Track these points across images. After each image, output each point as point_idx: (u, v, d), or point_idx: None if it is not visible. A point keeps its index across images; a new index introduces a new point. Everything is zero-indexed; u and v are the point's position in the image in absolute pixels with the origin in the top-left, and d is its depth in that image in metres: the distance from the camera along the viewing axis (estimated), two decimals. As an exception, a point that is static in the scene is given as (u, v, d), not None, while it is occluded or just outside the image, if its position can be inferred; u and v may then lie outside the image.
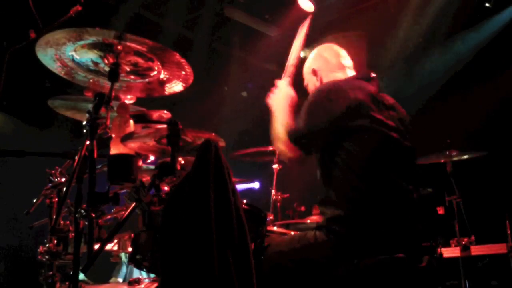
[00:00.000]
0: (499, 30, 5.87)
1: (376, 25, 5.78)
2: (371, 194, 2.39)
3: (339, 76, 2.77)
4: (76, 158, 1.97)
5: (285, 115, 2.64)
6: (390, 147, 2.47)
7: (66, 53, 2.25)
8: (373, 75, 2.70)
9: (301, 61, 2.96)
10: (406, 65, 6.44)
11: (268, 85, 2.85)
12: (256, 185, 3.24)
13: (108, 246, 2.77)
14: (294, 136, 2.53)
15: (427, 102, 6.15)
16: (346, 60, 2.87)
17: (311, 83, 2.88)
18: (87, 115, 2.01)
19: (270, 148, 3.88)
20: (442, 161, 4.44)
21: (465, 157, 4.42)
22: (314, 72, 2.84)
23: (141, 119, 2.43)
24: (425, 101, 6.17)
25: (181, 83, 2.48)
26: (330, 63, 2.83)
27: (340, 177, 2.42)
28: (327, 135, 2.46)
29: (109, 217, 2.40)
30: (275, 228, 2.56)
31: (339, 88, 2.52)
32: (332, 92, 2.50)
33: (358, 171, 2.39)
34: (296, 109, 2.71)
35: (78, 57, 2.28)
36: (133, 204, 2.09)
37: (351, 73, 2.82)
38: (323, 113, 2.46)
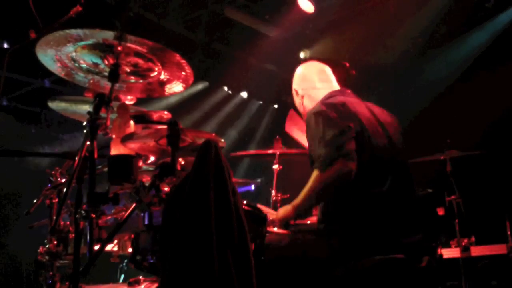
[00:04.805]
0: (501, 30, 5.88)
1: (376, 25, 5.79)
2: (369, 195, 2.41)
3: (321, 88, 2.83)
4: (76, 158, 1.97)
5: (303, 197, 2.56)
6: (382, 153, 2.51)
7: (66, 53, 2.24)
8: (348, 91, 2.80)
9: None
10: (406, 65, 6.45)
11: (268, 85, 2.88)
12: (251, 187, 3.24)
13: (108, 247, 2.76)
14: (327, 162, 2.41)
15: (428, 103, 6.16)
16: (327, 75, 2.91)
17: (296, 102, 2.99)
18: (87, 116, 2.01)
19: (270, 150, 3.87)
20: (441, 157, 4.45)
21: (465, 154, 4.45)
22: (296, 93, 2.93)
23: (141, 119, 2.43)
24: (426, 101, 6.18)
25: (181, 84, 2.48)
26: (310, 80, 2.89)
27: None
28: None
29: (109, 217, 2.39)
30: (275, 229, 2.54)
31: (334, 104, 2.57)
32: (331, 110, 2.51)
33: (355, 177, 2.40)
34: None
35: (78, 58, 2.28)
36: (133, 204, 2.09)
37: (332, 87, 2.86)
38: (334, 128, 2.44)
